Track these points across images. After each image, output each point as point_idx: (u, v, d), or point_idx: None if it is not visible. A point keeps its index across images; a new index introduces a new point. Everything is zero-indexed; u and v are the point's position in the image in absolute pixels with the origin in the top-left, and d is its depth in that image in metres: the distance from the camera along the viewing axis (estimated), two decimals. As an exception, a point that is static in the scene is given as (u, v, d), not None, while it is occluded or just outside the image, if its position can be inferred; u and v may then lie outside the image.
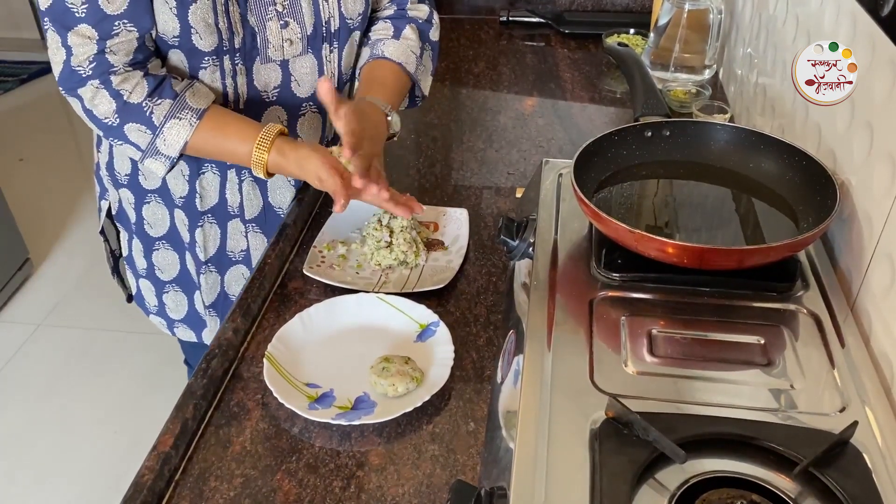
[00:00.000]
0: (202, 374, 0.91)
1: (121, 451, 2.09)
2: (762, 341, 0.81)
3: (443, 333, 0.95)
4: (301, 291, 1.06)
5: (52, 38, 1.00)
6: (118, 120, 1.02)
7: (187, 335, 1.36)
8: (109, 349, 2.44)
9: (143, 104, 1.02)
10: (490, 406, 0.86)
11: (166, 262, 1.28)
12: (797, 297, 0.87)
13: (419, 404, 0.85)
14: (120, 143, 1.05)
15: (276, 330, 0.96)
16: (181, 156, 1.07)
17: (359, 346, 0.95)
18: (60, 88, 1.02)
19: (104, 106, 1.01)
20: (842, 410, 0.72)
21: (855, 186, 0.90)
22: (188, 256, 1.26)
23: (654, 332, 0.83)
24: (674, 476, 0.66)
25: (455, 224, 1.17)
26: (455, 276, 1.06)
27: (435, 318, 0.97)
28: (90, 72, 1.00)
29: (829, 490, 0.64)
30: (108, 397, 2.28)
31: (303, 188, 1.26)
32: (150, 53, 1.04)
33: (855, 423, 0.67)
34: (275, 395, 0.86)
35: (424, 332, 0.96)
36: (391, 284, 1.05)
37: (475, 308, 1.02)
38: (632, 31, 1.78)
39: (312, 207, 1.24)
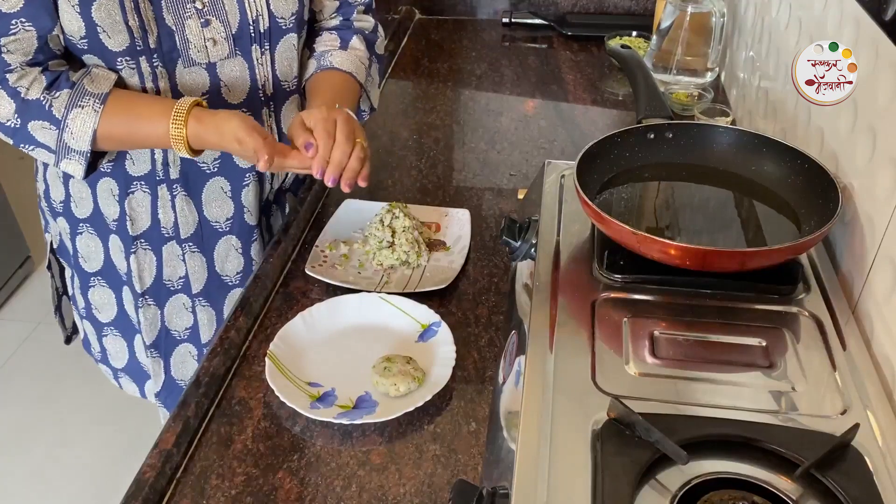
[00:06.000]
0: (204, 373, 0.91)
1: (122, 449, 2.09)
2: (764, 343, 0.81)
3: (444, 333, 0.95)
4: (303, 291, 1.06)
5: None
6: (19, 120, 0.96)
7: (131, 388, 1.28)
8: (110, 347, 2.44)
9: (42, 98, 0.95)
10: (492, 406, 0.86)
11: (102, 301, 1.21)
12: (799, 300, 0.87)
13: (421, 404, 0.85)
14: (31, 147, 0.99)
15: (278, 329, 0.96)
16: (98, 154, 1.01)
17: (360, 346, 0.96)
18: None
19: (4, 108, 0.95)
20: (843, 413, 0.73)
21: (857, 190, 0.90)
22: (125, 291, 1.18)
23: (655, 333, 0.83)
24: (675, 477, 0.66)
25: (457, 225, 1.17)
26: (457, 276, 1.06)
27: (437, 318, 0.97)
28: None
29: (830, 492, 0.64)
30: (109, 394, 2.28)
31: (303, 187, 1.26)
32: (52, 55, 0.98)
33: (856, 426, 0.67)
34: (276, 393, 0.87)
35: (426, 332, 0.96)
36: (393, 284, 1.06)
37: (477, 309, 1.03)
38: (634, 33, 1.79)
39: (315, 207, 1.24)
